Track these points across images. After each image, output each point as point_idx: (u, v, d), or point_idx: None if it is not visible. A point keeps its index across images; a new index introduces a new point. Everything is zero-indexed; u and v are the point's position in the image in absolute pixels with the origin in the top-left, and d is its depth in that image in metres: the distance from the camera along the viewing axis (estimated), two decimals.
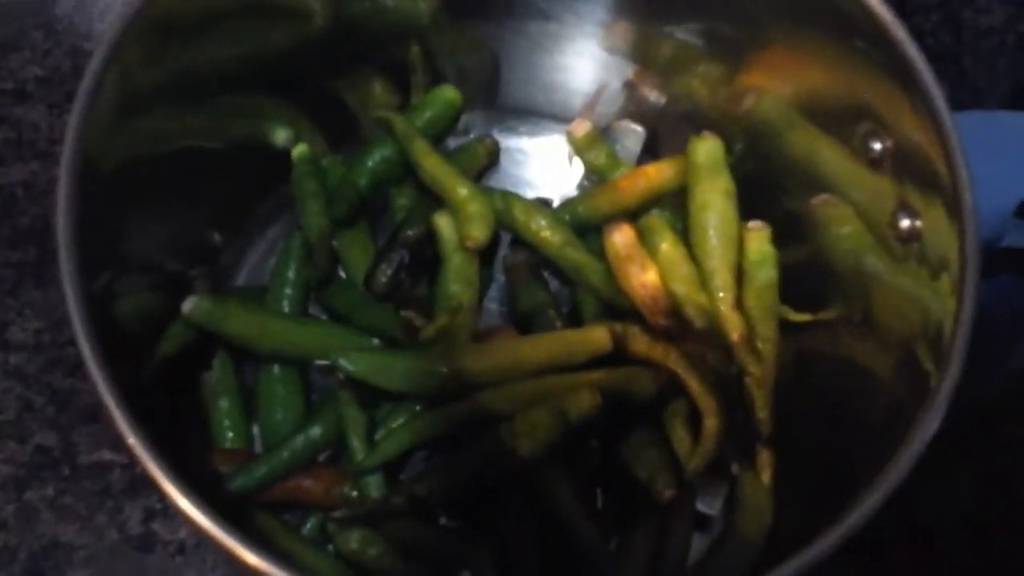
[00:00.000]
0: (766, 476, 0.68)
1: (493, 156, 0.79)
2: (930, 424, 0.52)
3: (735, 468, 0.69)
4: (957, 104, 0.57)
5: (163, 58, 0.62)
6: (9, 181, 0.84)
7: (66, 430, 0.79)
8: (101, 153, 0.58)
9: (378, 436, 0.67)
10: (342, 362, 0.66)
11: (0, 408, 0.79)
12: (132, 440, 0.51)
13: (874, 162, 0.62)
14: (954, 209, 0.55)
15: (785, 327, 0.70)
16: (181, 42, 0.63)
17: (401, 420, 0.67)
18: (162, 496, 0.52)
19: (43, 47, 0.89)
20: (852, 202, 0.65)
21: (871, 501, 0.52)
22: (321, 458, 0.69)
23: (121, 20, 0.58)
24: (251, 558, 0.50)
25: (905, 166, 0.60)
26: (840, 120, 0.64)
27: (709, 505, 0.69)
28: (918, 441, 0.52)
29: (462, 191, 0.71)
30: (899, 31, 0.58)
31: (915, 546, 0.76)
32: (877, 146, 0.62)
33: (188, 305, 0.67)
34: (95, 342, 0.53)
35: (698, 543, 0.69)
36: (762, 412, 0.68)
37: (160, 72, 0.63)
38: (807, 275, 0.70)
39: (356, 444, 0.66)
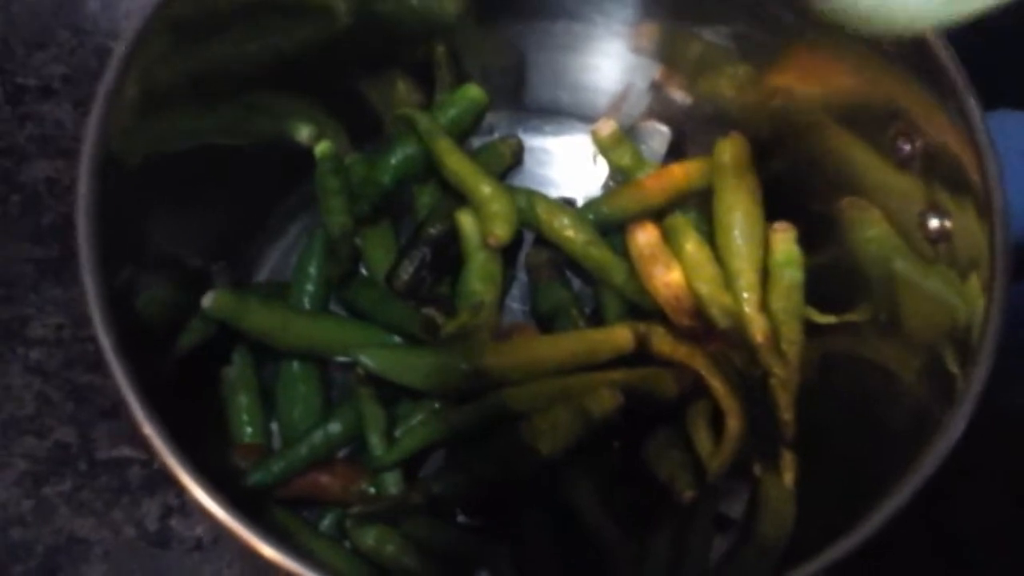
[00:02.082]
0: (789, 479, 0.67)
1: (518, 155, 0.79)
2: (955, 428, 0.52)
3: (758, 470, 0.68)
4: (989, 105, 0.57)
5: (185, 55, 0.62)
6: (33, 178, 0.84)
7: (85, 426, 0.79)
8: (122, 150, 0.58)
9: (397, 433, 0.67)
10: (362, 358, 0.66)
11: (19, 403, 0.79)
12: (148, 431, 0.51)
13: (903, 163, 0.61)
14: (984, 209, 0.54)
15: (810, 329, 0.70)
16: (203, 39, 0.63)
17: (421, 417, 0.67)
18: (180, 489, 0.52)
19: (69, 45, 0.89)
20: (880, 203, 0.64)
21: (893, 504, 0.51)
22: (340, 455, 0.69)
23: (142, 17, 0.58)
24: (267, 551, 0.50)
25: (935, 167, 0.59)
26: (869, 121, 0.64)
27: (731, 507, 0.69)
28: (942, 445, 0.52)
29: (485, 189, 0.70)
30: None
31: (942, 555, 0.75)
32: (907, 147, 0.61)
33: (208, 299, 0.67)
34: (115, 335, 0.53)
35: (719, 546, 0.69)
36: (786, 414, 0.67)
37: (182, 69, 0.63)
38: (833, 277, 0.70)
39: (375, 440, 0.66)
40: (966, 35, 0.54)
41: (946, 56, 0.57)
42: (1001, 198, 0.54)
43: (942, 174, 0.59)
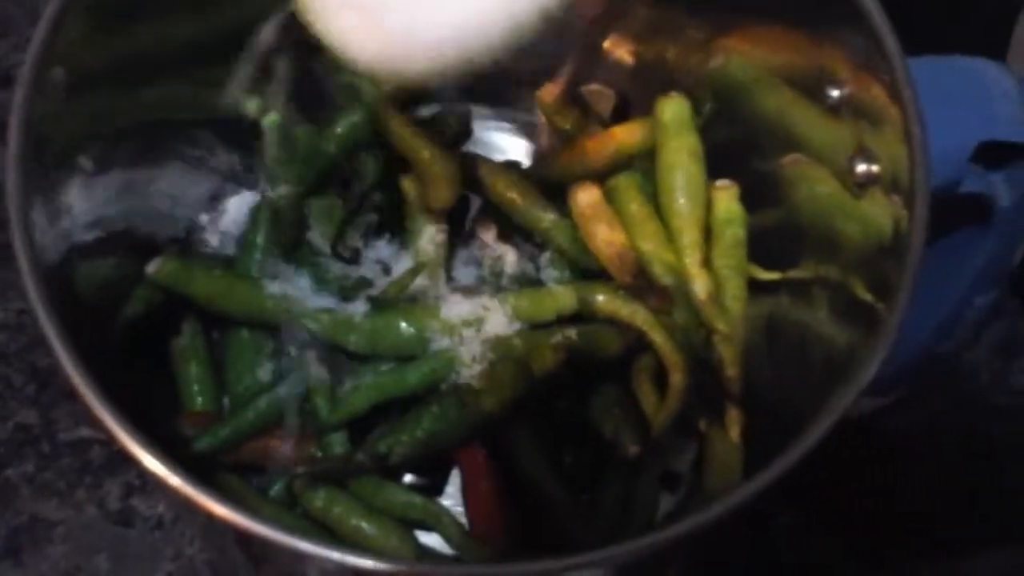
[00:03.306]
0: (735, 433, 0.67)
1: (465, 123, 0.79)
2: (874, 358, 0.52)
3: (703, 426, 0.68)
4: (912, 51, 0.57)
5: (115, 33, 0.62)
6: None
7: (46, 408, 0.80)
8: (53, 130, 0.58)
9: (340, 394, 0.67)
10: (306, 322, 0.66)
11: None
12: (84, 390, 0.51)
13: (833, 109, 0.62)
14: (905, 143, 0.55)
15: (755, 287, 0.70)
16: (137, 14, 0.63)
17: (365, 379, 0.67)
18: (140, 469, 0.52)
19: (28, 33, 0.89)
20: (815, 154, 0.65)
21: (814, 434, 0.51)
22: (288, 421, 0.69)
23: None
24: (219, 509, 0.49)
25: (860, 110, 0.60)
26: (802, 72, 0.64)
27: (678, 463, 0.69)
28: (863, 375, 0.52)
29: (426, 153, 0.71)
30: None
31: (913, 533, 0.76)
32: (835, 93, 0.61)
33: (153, 266, 0.67)
34: (52, 309, 0.53)
35: (667, 502, 0.69)
36: (730, 370, 0.67)
37: (113, 48, 0.62)
38: (776, 235, 0.70)
39: (321, 403, 0.66)
40: None
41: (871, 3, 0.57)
42: (919, 131, 0.54)
43: (867, 117, 0.59)
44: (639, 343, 0.68)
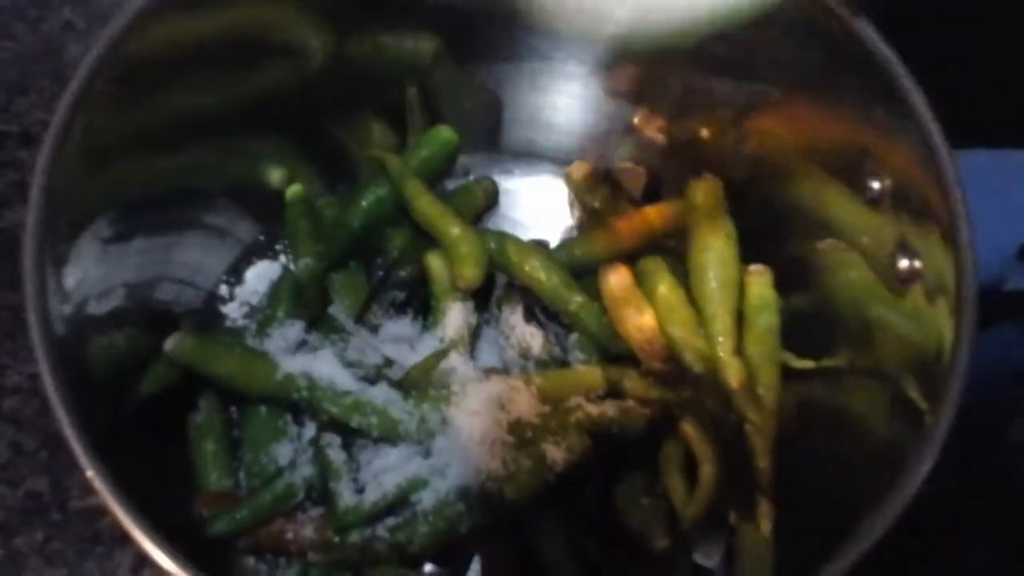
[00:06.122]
0: (766, 527, 0.65)
1: (492, 198, 0.78)
2: (923, 466, 0.51)
3: (733, 518, 0.66)
4: (959, 143, 0.56)
5: (141, 102, 0.62)
6: (12, 224, 0.84)
7: (58, 475, 0.78)
8: (72, 197, 0.58)
9: (361, 479, 0.65)
10: (325, 405, 0.65)
11: None
12: (91, 472, 0.50)
13: (873, 201, 0.60)
14: (951, 244, 0.53)
15: (787, 374, 0.68)
16: (163, 84, 0.62)
17: (386, 465, 0.65)
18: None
19: (50, 91, 0.89)
20: (853, 243, 0.63)
21: (862, 543, 0.50)
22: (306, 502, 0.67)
23: (86, 65, 0.57)
24: None
25: (903, 204, 0.58)
26: (841, 161, 0.63)
27: (707, 556, 0.67)
28: (910, 483, 0.50)
29: (454, 231, 0.70)
30: (896, 66, 0.57)
31: None
32: (876, 185, 0.60)
33: (171, 343, 0.66)
34: (61, 379, 0.53)
35: None
36: (762, 461, 0.66)
37: (139, 114, 0.62)
38: (810, 321, 0.68)
39: (338, 488, 0.65)
40: (935, 71, 0.53)
41: (913, 93, 0.56)
42: (967, 232, 0.52)
43: (910, 212, 0.58)
44: (666, 426, 0.67)
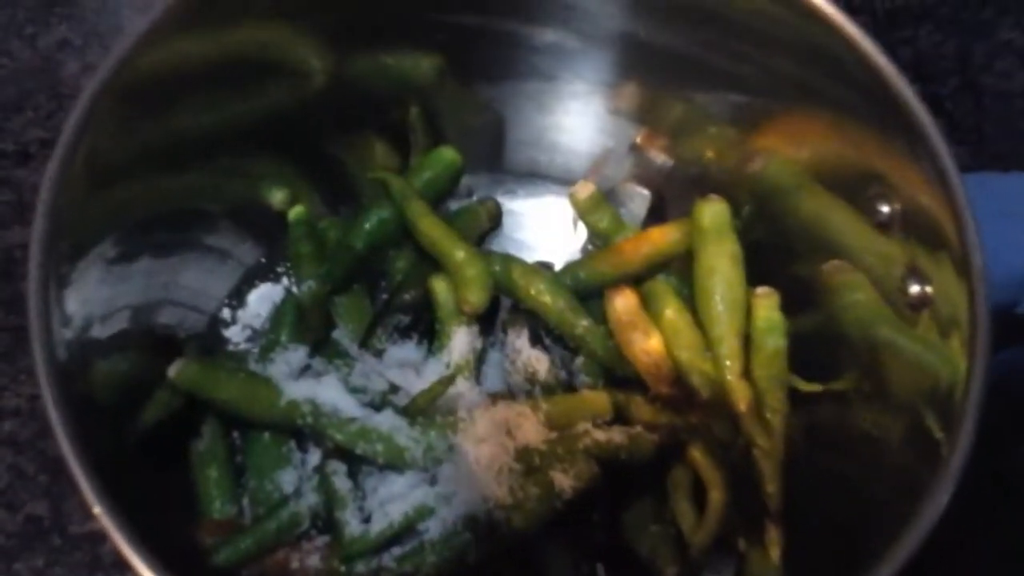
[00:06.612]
0: (775, 553, 0.65)
1: (495, 219, 0.77)
2: (941, 496, 0.50)
3: (742, 544, 0.66)
4: (968, 166, 0.55)
5: (145, 122, 0.61)
6: (9, 244, 0.84)
7: (58, 499, 0.78)
8: (76, 218, 0.57)
9: (367, 507, 0.64)
10: (330, 432, 0.64)
11: None
12: (97, 508, 0.49)
13: (883, 225, 0.60)
14: (963, 271, 0.53)
15: (795, 397, 0.68)
16: (166, 104, 0.62)
17: (392, 493, 0.65)
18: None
19: (47, 109, 0.88)
20: (862, 266, 0.63)
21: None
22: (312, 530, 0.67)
23: (92, 85, 0.56)
24: None
25: (914, 229, 0.58)
26: (849, 183, 0.62)
27: None
28: (928, 515, 0.50)
29: (459, 254, 0.69)
30: (905, 90, 0.56)
31: None
32: (885, 209, 0.60)
33: (174, 369, 0.65)
34: (64, 404, 0.52)
35: None
36: (771, 486, 0.65)
37: (142, 137, 0.62)
38: (818, 344, 0.68)
39: (344, 517, 0.64)
40: (950, 91, 0.53)
41: (922, 115, 0.55)
42: (980, 260, 0.52)
43: (921, 236, 0.57)
44: (674, 452, 0.66)
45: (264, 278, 0.76)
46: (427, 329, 0.71)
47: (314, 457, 0.68)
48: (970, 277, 0.52)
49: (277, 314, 0.72)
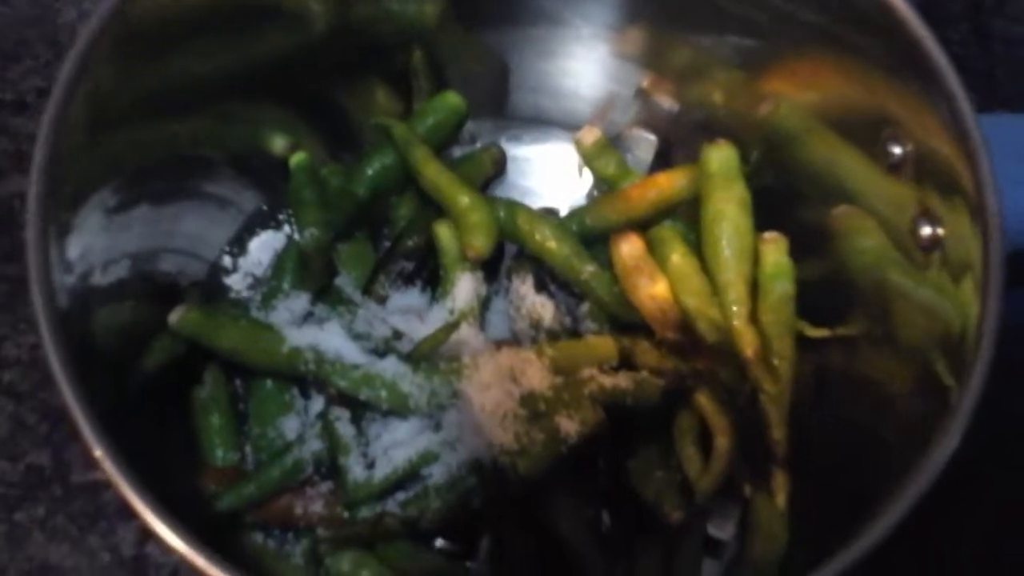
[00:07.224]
0: (781, 499, 0.65)
1: (499, 165, 0.77)
2: (950, 441, 0.49)
3: (748, 490, 0.66)
4: (984, 106, 0.54)
5: (144, 68, 0.60)
6: (7, 193, 0.83)
7: (59, 449, 0.77)
8: (74, 166, 0.56)
9: (370, 454, 0.64)
10: (333, 378, 0.64)
11: None
12: (99, 452, 0.49)
13: (894, 168, 0.59)
14: (977, 213, 0.52)
15: (802, 343, 0.67)
16: (165, 50, 0.61)
17: (396, 439, 0.64)
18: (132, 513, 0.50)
19: (45, 58, 0.87)
20: (872, 211, 0.62)
21: (888, 521, 0.49)
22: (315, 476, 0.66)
23: (88, 31, 0.56)
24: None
25: (926, 171, 0.57)
26: (860, 126, 0.62)
27: (721, 528, 0.66)
28: (937, 460, 0.49)
29: (464, 200, 0.68)
30: (920, 28, 0.55)
31: None
32: (897, 151, 0.59)
33: (175, 316, 0.65)
34: (66, 356, 0.52)
35: (709, 568, 0.67)
36: (777, 432, 0.65)
37: (142, 82, 0.61)
38: (826, 289, 0.67)
39: (347, 463, 0.64)
40: (961, 36, 0.52)
41: (938, 56, 0.55)
42: (995, 202, 0.51)
43: (934, 179, 0.56)
44: (680, 397, 0.66)
45: (265, 225, 0.75)
46: (431, 276, 0.71)
47: (317, 404, 0.68)
48: (984, 219, 0.52)
49: (279, 261, 0.71)
